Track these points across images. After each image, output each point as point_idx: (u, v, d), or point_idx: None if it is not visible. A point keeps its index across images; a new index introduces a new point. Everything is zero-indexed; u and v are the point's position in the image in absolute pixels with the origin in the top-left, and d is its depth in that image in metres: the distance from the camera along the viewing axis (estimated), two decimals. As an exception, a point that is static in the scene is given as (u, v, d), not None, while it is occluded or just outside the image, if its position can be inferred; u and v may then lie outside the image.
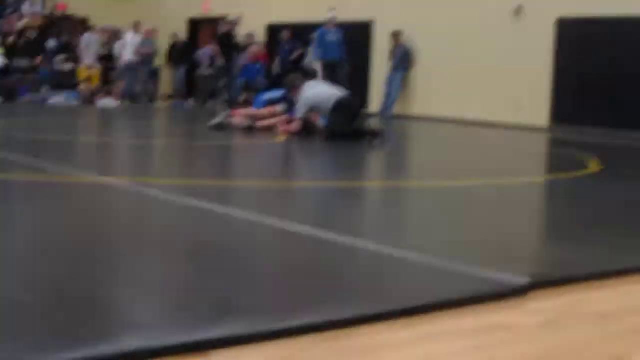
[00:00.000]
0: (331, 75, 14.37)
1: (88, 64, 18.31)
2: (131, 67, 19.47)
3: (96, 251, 3.45)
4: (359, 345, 2.46)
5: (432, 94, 17.19)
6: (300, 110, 10.48)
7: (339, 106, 10.26)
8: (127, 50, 19.52)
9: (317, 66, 14.70)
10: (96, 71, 18.45)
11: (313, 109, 10.41)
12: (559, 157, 9.83)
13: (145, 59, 19.45)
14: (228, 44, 18.49)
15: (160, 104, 19.93)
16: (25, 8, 20.65)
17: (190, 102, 19.75)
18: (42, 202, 4.74)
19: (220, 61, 18.68)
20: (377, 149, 9.47)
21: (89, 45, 18.22)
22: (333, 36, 14.32)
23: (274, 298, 2.84)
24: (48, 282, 2.84)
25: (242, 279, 3.07)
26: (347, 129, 10.09)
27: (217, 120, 11.08)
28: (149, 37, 19.71)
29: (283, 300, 2.80)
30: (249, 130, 10.77)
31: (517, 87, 15.70)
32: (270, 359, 2.32)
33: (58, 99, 17.50)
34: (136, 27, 19.91)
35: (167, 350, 2.25)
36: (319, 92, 10.54)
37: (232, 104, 18.86)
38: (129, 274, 3.03)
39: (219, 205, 4.71)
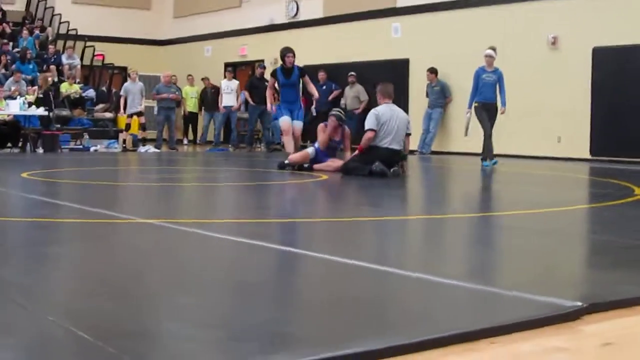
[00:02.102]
0: (484, 117, 13.20)
1: (128, 112, 18.46)
2: (232, 113, 19.93)
3: (145, 286, 3.45)
4: (416, 371, 2.43)
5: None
6: (369, 121, 10.43)
7: (374, 151, 10.18)
8: (229, 96, 19.93)
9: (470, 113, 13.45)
10: (136, 119, 18.56)
11: (378, 123, 10.35)
12: (604, 186, 9.71)
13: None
14: (262, 87, 18.61)
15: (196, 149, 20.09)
16: (64, 60, 20.98)
17: (228, 147, 19.84)
18: (92, 242, 4.79)
19: (251, 105, 18.93)
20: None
21: (129, 94, 18.42)
22: (489, 76, 13.24)
23: (328, 328, 2.80)
24: (100, 316, 2.84)
25: (294, 310, 3.06)
26: (361, 170, 10.07)
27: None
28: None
29: (336, 330, 2.76)
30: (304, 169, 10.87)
31: (557, 119, 15.60)
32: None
33: (99, 147, 17.72)
34: (228, 75, 20.51)
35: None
36: (388, 118, 10.38)
37: (269, 146, 18.96)
38: (178, 308, 3.02)
39: (263, 241, 4.70)
